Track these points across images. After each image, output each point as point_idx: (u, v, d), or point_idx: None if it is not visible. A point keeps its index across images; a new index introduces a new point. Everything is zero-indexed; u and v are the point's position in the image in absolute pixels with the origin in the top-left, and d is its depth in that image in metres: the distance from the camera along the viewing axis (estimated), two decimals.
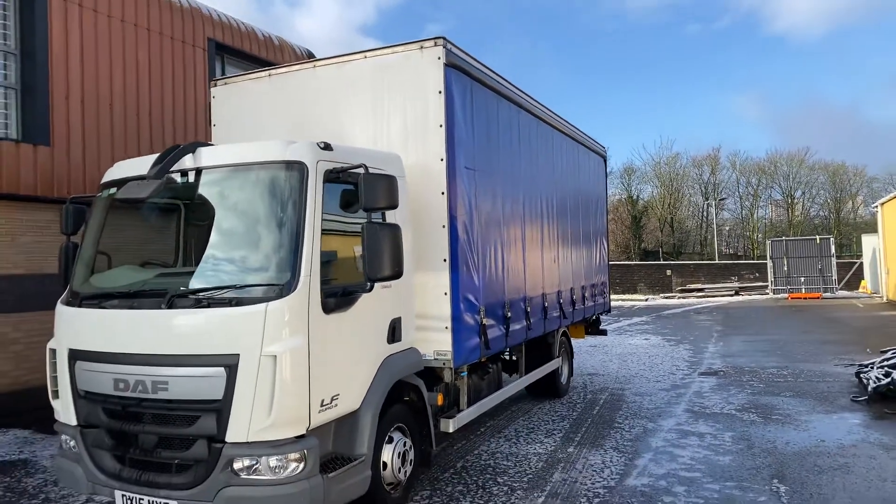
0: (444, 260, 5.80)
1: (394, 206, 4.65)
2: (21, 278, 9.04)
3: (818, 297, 27.84)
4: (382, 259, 4.43)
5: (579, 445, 7.02)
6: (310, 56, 14.35)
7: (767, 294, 30.41)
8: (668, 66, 76.09)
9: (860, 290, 31.18)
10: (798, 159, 59.58)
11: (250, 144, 4.92)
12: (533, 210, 8.05)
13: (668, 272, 35.99)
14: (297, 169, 4.55)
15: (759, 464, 6.20)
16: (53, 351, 5.04)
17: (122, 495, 4.51)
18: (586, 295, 10.26)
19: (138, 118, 10.52)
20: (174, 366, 4.36)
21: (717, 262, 41.86)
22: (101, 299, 4.88)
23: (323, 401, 4.44)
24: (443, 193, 5.79)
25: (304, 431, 4.29)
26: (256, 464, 4.20)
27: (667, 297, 33.15)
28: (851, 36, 74.37)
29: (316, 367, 4.35)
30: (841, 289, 30.19)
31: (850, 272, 32.73)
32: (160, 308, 4.49)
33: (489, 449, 6.95)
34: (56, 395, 5.02)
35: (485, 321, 6.41)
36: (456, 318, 5.86)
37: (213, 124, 7.05)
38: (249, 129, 6.61)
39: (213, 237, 4.79)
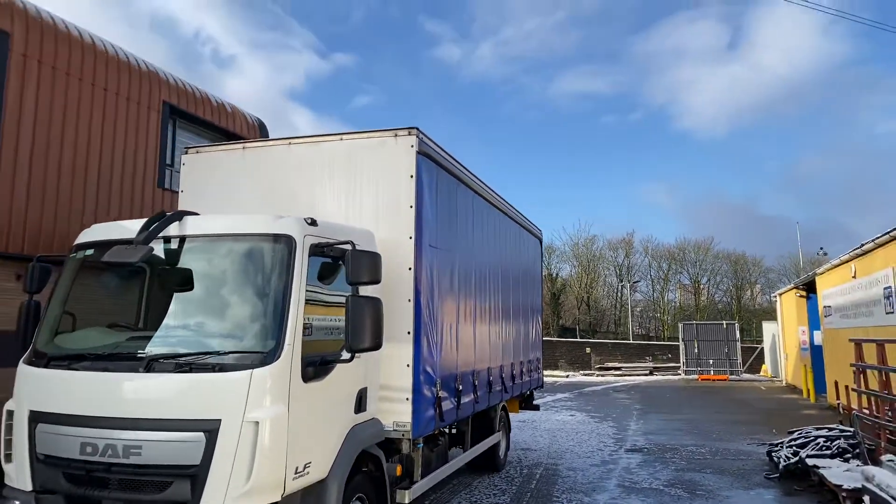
0: (409, 332, 6.10)
1: (377, 282, 4.96)
2: None
3: (726, 379, 29.49)
4: (365, 331, 4.70)
5: None
6: (261, 125, 14.66)
7: (680, 374, 31.92)
8: (586, 153, 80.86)
9: (762, 373, 33.25)
10: (704, 247, 63.87)
11: (239, 216, 5.17)
12: (482, 287, 8.51)
13: (588, 350, 37.21)
14: (284, 242, 4.82)
15: None
16: (11, 413, 4.92)
17: None
18: (524, 370, 10.70)
19: (86, 175, 10.41)
20: (150, 430, 4.39)
21: (632, 342, 43.67)
22: (69, 360, 4.87)
23: (297, 468, 4.57)
24: (410, 269, 6.15)
25: (278, 498, 4.39)
26: None
27: (586, 374, 34.16)
28: (749, 138, 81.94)
29: (293, 435, 4.50)
30: (745, 371, 32.10)
31: (753, 356, 34.92)
32: (137, 371, 4.56)
33: None
34: (9, 458, 4.88)
35: (440, 393, 6.69)
36: (416, 389, 6.11)
37: (181, 190, 7.20)
38: (219, 199, 6.79)
39: (194, 303, 4.95)
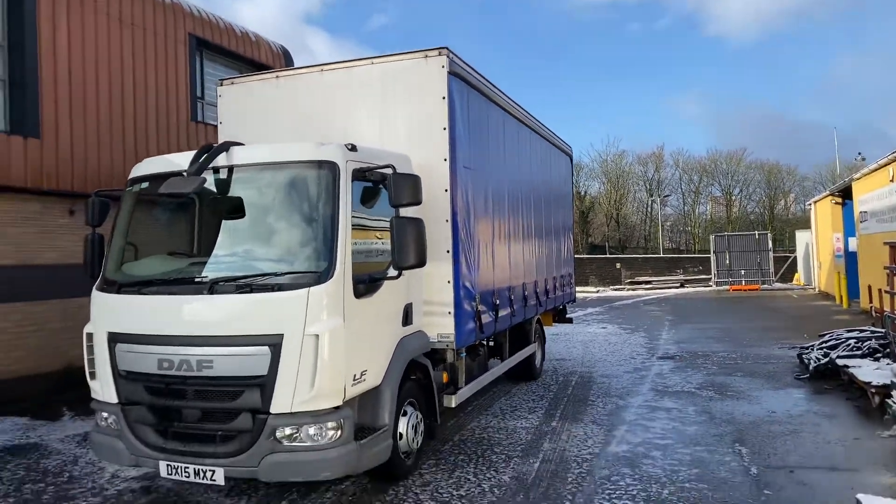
0: (448, 251, 6.36)
1: (418, 203, 5.18)
2: (10, 269, 9.14)
3: (757, 289, 29.63)
4: (410, 250, 4.96)
5: (561, 420, 7.71)
6: (285, 53, 14.62)
7: (711, 286, 32.11)
8: (611, 65, 78.29)
9: (794, 282, 33.24)
10: (736, 158, 62.45)
11: (283, 145, 5.38)
12: (515, 206, 8.69)
13: (618, 265, 37.46)
14: (328, 168, 5.04)
15: (721, 432, 7.02)
16: (90, 335, 5.38)
17: (167, 465, 4.92)
18: (557, 285, 10.99)
19: (123, 112, 10.66)
20: (219, 346, 4.79)
21: (663, 255, 43.69)
22: (139, 286, 5.25)
23: (355, 376, 4.96)
24: (446, 191, 6.34)
25: (340, 403, 4.81)
26: (298, 432, 4.70)
27: (616, 289, 34.52)
28: (782, 42, 78.24)
29: (349, 346, 4.87)
30: (777, 281, 32.13)
31: (785, 266, 34.84)
32: (202, 293, 4.92)
33: (480, 425, 7.57)
34: (93, 375, 5.37)
35: (479, 307, 7.01)
36: (457, 304, 6.43)
37: (219, 122, 7.39)
38: (257, 128, 6.98)
39: (248, 229, 5.26)
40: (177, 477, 4.90)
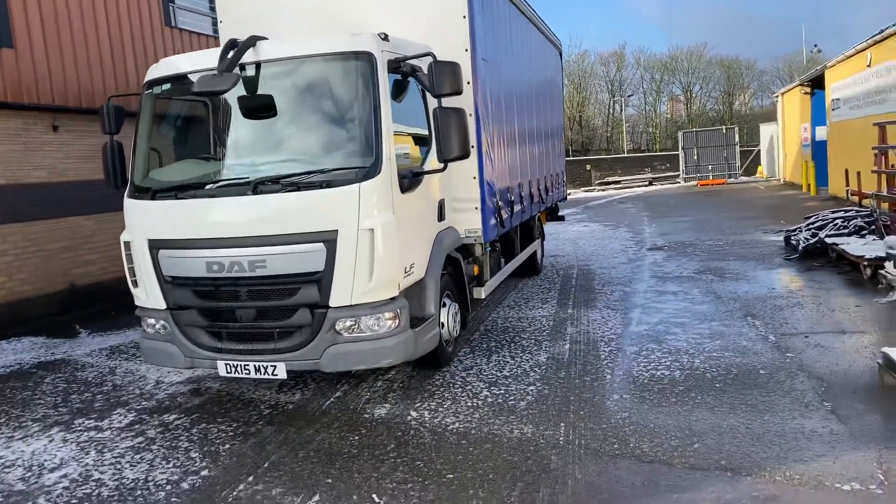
0: (472, 146, 6.32)
1: (459, 92, 5.10)
2: (2, 189, 8.79)
3: (724, 183, 30.38)
4: (454, 140, 4.95)
5: (575, 307, 8.04)
6: None
7: (679, 182, 32.79)
8: None
9: (757, 174, 34.16)
10: (697, 54, 62.18)
11: (315, 37, 5.19)
12: (521, 103, 8.62)
13: (588, 167, 37.80)
14: (366, 59, 4.91)
15: (730, 308, 7.43)
16: (128, 243, 5.31)
17: (226, 364, 5.03)
18: (553, 183, 11.12)
19: (96, 21, 9.99)
20: (271, 245, 4.80)
21: (630, 155, 44.14)
22: (175, 191, 5.15)
23: (406, 268, 5.06)
24: (468, 83, 6.24)
25: (396, 293, 4.93)
26: (358, 323, 4.82)
27: (587, 191, 34.99)
28: None
29: (399, 240, 4.93)
30: (742, 175, 32.96)
31: (749, 159, 35.63)
32: (246, 195, 4.86)
33: (500, 316, 7.85)
34: (135, 283, 5.35)
35: (499, 203, 7.11)
36: (483, 199, 6.50)
37: (220, 21, 7.03)
38: (261, 25, 6.58)
39: (285, 127, 5.14)
40: (236, 374, 5.03)
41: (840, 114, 17.45)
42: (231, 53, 4.92)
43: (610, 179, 36.35)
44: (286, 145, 5.15)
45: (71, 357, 7.31)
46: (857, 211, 10.52)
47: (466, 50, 6.22)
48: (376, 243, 4.72)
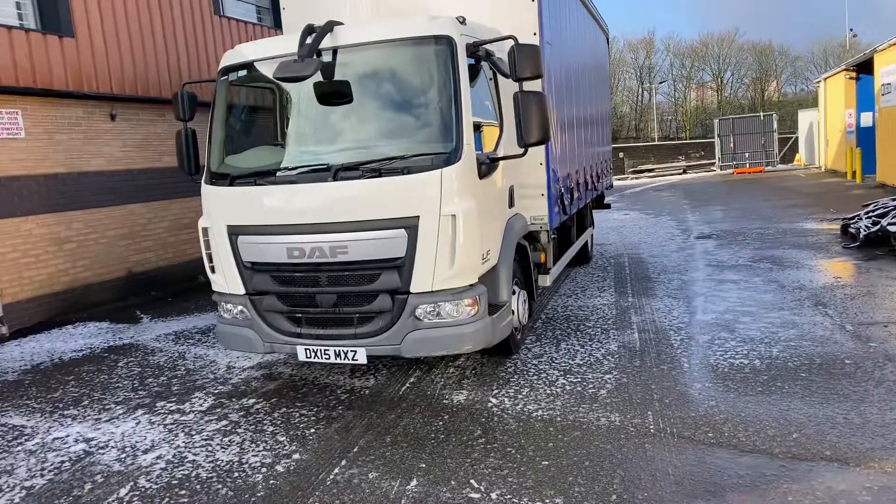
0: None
1: (540, 76, 5.03)
2: (64, 177, 8.95)
3: (761, 171, 29.80)
4: (535, 125, 4.88)
5: (635, 296, 7.95)
6: None
7: (714, 171, 32.25)
8: None
9: (795, 162, 33.44)
10: (728, 40, 60.99)
11: (393, 21, 5.16)
12: (578, 90, 8.52)
13: (621, 154, 37.32)
14: (446, 43, 4.86)
15: (797, 297, 7.29)
16: (206, 229, 5.36)
17: (305, 349, 5.06)
18: (603, 170, 11.00)
19: (149, 8, 10.08)
20: (352, 231, 4.80)
21: (665, 143, 43.52)
22: (255, 177, 5.17)
23: (483, 255, 5.04)
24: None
25: (475, 280, 4.91)
26: (437, 310, 4.81)
27: (620, 179, 34.54)
28: None
29: (478, 225, 4.90)
30: (779, 162, 32.30)
31: (786, 147, 34.87)
32: (326, 181, 4.86)
33: (559, 305, 7.80)
34: (213, 269, 5.41)
35: (561, 190, 7.04)
36: (549, 186, 6.45)
37: (283, 7, 7.01)
38: (327, 11, 6.63)
39: (364, 112, 5.13)
40: (316, 360, 5.06)
41: (890, 99, 16.96)
42: (310, 39, 4.91)
43: (643, 167, 35.89)
44: (364, 131, 5.14)
45: (138, 342, 7.44)
46: None
47: (535, 34, 6.14)
48: (458, 229, 4.69)
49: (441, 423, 4.62)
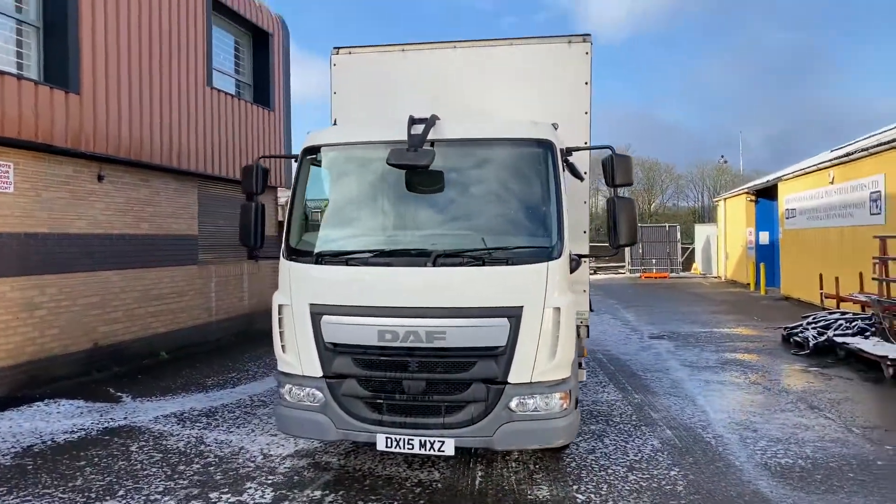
0: (585, 232, 6.67)
1: (631, 183, 5.43)
2: (44, 237, 8.26)
3: (666, 277, 32.21)
4: (626, 228, 5.21)
5: (640, 393, 8.27)
6: (282, 21, 13.99)
7: (624, 273, 34.41)
8: None
9: (692, 271, 36.42)
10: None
11: (496, 121, 5.44)
12: None
13: None
14: (548, 146, 5.18)
15: (788, 400, 7.88)
16: (282, 306, 5.16)
17: (386, 437, 4.89)
18: None
19: (150, 72, 9.84)
20: (453, 317, 4.81)
21: None
22: (345, 256, 5.10)
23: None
24: (586, 173, 6.63)
25: (569, 374, 5.01)
26: (534, 401, 4.85)
27: None
28: (651, 43, 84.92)
29: (574, 320, 5.08)
30: (681, 270, 35.10)
31: (684, 256, 38.03)
32: (425, 265, 4.89)
33: None
34: (284, 348, 5.17)
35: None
36: (589, 283, 6.77)
37: (333, 91, 7.13)
38: (378, 101, 6.84)
39: (462, 203, 5.27)
40: (398, 450, 4.87)
41: (794, 223, 19.19)
42: (416, 129, 5.06)
43: None
44: (462, 221, 5.25)
45: (136, 424, 6.77)
46: (853, 314, 11.51)
47: (585, 142, 6.61)
48: (562, 322, 4.84)
49: None
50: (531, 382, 4.83)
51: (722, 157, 63.87)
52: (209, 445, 6.10)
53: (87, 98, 8.57)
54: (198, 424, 6.77)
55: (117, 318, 9.45)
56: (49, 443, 6.14)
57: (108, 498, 4.88)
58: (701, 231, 35.82)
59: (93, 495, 4.92)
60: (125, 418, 6.96)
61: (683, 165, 77.56)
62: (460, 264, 4.89)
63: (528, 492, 5.04)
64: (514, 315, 4.81)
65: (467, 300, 4.84)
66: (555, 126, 5.39)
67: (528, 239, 5.07)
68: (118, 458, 5.72)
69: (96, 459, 5.70)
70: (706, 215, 52.34)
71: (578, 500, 4.88)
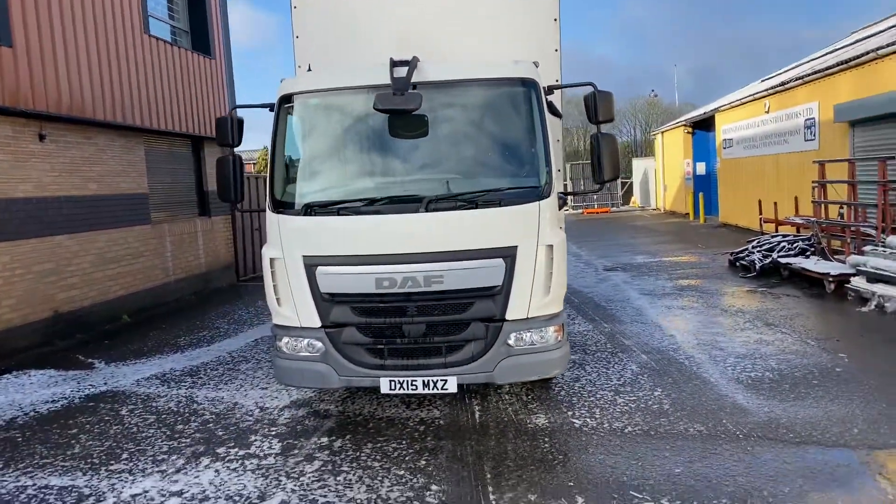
0: (559, 170, 6.75)
1: (613, 120, 5.52)
2: None
3: (608, 211, 33.13)
4: (610, 165, 5.34)
5: (608, 322, 8.66)
6: None
7: (568, 210, 35.18)
8: None
9: (631, 204, 37.55)
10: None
11: (475, 62, 5.38)
12: None
13: None
14: (531, 85, 5.20)
15: (745, 319, 8.42)
16: (274, 260, 5.11)
17: (390, 381, 4.99)
18: None
19: (84, 20, 9.17)
20: (449, 261, 4.88)
21: None
22: (334, 206, 5.04)
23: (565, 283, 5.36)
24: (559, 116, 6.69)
25: (562, 308, 5.21)
26: (528, 336, 5.03)
27: None
28: None
29: (566, 255, 5.24)
30: (621, 204, 36.14)
31: (623, 190, 39.07)
32: (417, 211, 4.92)
33: None
34: (280, 301, 5.14)
35: None
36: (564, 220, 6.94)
37: (295, 36, 6.87)
38: (343, 44, 6.66)
39: (449, 146, 5.27)
40: (401, 391, 4.99)
41: (731, 152, 19.96)
42: (399, 72, 4.98)
43: None
44: (449, 164, 5.25)
45: (119, 388, 6.64)
46: (794, 235, 12.23)
47: (557, 80, 6.64)
48: (555, 259, 4.99)
49: (547, 445, 4.81)
50: (527, 318, 5.00)
51: (652, 91, 65.39)
52: (201, 403, 6.08)
53: (20, 51, 7.96)
54: (183, 384, 6.70)
55: (74, 283, 9.09)
56: (32, 413, 5.98)
57: (113, 462, 4.83)
58: (638, 165, 36.78)
59: (96, 461, 4.86)
60: (105, 384, 6.82)
61: (616, 101, 79.03)
62: (453, 208, 4.93)
63: (528, 420, 5.28)
64: (508, 255, 4.91)
65: (462, 243, 4.91)
66: (536, 64, 5.40)
67: (518, 180, 5.14)
68: (111, 423, 5.64)
69: (88, 426, 5.60)
70: (640, 149, 53.54)
71: (576, 425, 5.15)
